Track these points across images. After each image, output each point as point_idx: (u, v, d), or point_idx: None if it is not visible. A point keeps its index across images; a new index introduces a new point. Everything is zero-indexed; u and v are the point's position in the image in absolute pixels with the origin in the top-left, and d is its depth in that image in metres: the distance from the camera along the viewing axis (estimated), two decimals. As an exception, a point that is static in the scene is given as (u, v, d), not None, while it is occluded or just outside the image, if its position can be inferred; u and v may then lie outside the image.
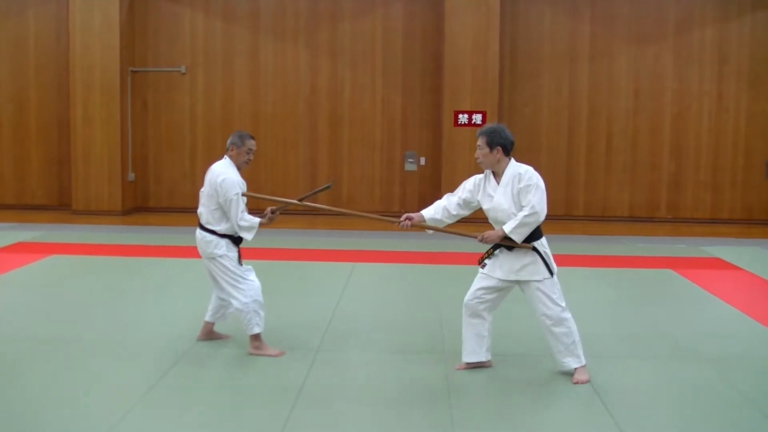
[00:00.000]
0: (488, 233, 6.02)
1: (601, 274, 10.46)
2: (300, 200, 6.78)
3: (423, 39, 16.41)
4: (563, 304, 6.03)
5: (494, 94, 15.61)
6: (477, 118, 15.48)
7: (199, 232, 6.71)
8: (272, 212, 6.66)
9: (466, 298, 6.28)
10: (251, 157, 6.75)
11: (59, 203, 16.67)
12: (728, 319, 8.26)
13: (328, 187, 7.14)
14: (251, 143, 6.70)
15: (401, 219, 6.33)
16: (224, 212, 6.56)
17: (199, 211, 6.73)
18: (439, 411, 5.45)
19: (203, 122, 16.69)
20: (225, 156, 6.72)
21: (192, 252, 11.55)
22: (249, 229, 6.56)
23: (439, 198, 6.46)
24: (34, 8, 16.48)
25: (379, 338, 7.28)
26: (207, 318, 7.04)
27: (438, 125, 16.10)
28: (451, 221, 6.34)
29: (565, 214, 16.13)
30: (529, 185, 5.91)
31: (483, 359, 6.32)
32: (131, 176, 16.41)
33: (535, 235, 6.01)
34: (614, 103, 16.35)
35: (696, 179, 16.41)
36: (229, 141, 6.72)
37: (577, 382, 6.00)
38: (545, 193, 5.95)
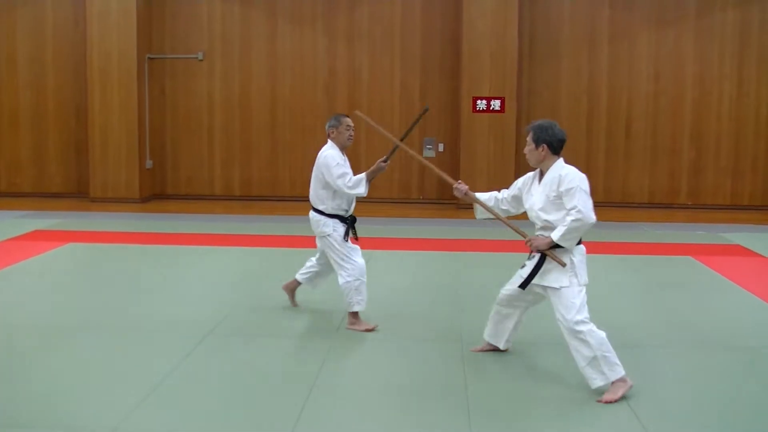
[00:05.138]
0: (536, 239, 5.66)
1: (620, 261, 10.37)
2: (401, 139, 7.02)
3: (442, 23, 16.31)
4: (580, 317, 5.49)
5: (513, 78, 15.50)
6: (495, 104, 15.38)
7: (311, 213, 7.14)
8: (383, 161, 7.02)
9: (502, 288, 6.14)
10: (352, 134, 7.15)
11: (77, 191, 16.71)
12: (748, 307, 8.17)
13: (425, 111, 7.61)
14: (347, 120, 7.10)
15: (457, 183, 6.16)
16: (330, 191, 7.01)
17: (310, 194, 7.18)
18: (456, 399, 5.40)
19: (221, 109, 16.68)
20: (328, 141, 7.13)
21: (210, 239, 11.63)
22: (356, 185, 6.91)
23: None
24: (51, -5, 16.53)
25: (395, 325, 7.23)
26: (297, 276, 7.63)
27: (456, 111, 16.01)
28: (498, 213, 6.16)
29: (584, 200, 15.98)
30: (570, 188, 5.52)
31: (499, 346, 6.28)
32: (149, 163, 16.42)
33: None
34: (634, 88, 16.21)
35: (716, 165, 16.26)
36: (327, 125, 7.13)
37: (601, 401, 5.40)
38: (590, 196, 5.55)
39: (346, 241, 7.01)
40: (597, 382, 5.46)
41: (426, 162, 6.83)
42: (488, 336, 6.31)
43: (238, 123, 16.66)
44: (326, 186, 6.99)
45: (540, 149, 5.72)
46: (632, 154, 16.18)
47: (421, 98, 16.40)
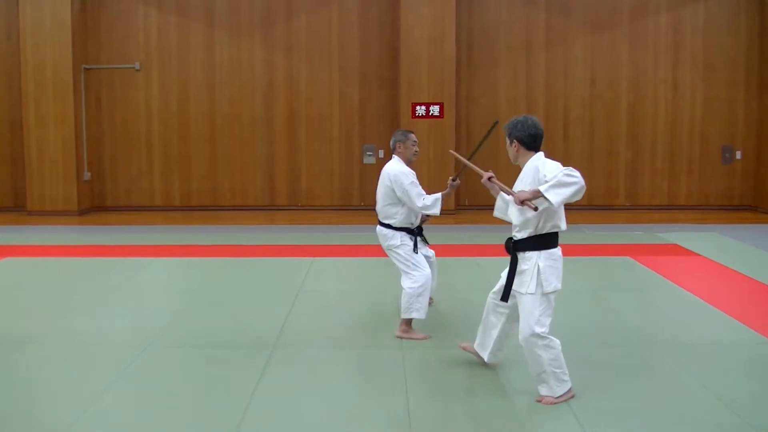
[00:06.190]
0: (521, 192, 5.32)
1: (560, 263, 10.46)
2: (469, 158, 6.49)
3: (379, 31, 16.38)
4: (538, 330, 5.32)
5: (451, 85, 15.61)
6: (434, 109, 15.47)
7: (378, 228, 7.22)
8: (452, 180, 6.99)
9: (489, 294, 5.94)
10: (417, 149, 7.32)
11: (14, 204, 16.44)
12: (684, 305, 8.32)
13: (495, 124, 6.48)
14: (413, 137, 7.29)
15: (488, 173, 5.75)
16: (400, 205, 7.05)
17: (376, 209, 7.25)
18: (397, 409, 5.41)
19: (159, 119, 16.53)
20: (393, 156, 7.24)
21: (150, 251, 11.50)
22: (432, 205, 6.94)
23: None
24: (-18, 6, 16.24)
25: (337, 333, 7.22)
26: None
27: (396, 117, 16.07)
28: (504, 215, 5.82)
29: (524, 204, 16.13)
30: (552, 168, 5.27)
31: (484, 357, 6.05)
32: (87, 175, 16.19)
33: (546, 243, 5.53)
34: (571, 92, 16.45)
35: (653, 166, 16.58)
36: (392, 141, 7.26)
37: (540, 401, 5.47)
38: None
39: (416, 252, 7.05)
40: (542, 391, 5.46)
41: (478, 169, 5.94)
42: (477, 345, 6.11)
43: (176, 133, 16.52)
44: (396, 202, 7.06)
45: (513, 146, 5.60)
46: (570, 157, 16.35)
47: (361, 106, 16.45)
